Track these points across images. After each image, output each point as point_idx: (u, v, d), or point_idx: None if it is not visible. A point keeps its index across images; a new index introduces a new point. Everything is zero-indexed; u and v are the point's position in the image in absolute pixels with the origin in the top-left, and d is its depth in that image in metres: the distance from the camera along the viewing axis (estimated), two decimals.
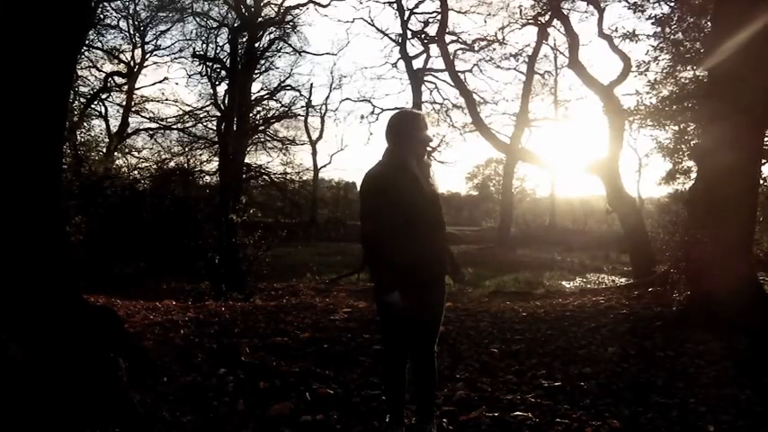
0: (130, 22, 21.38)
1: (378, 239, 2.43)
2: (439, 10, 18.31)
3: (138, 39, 22.31)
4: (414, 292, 2.47)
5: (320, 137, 31.70)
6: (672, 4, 9.82)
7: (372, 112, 27.49)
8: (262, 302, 8.13)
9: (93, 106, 20.54)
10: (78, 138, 13.47)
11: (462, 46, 21.54)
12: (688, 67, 9.65)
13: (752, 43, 4.86)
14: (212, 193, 15.38)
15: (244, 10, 17.92)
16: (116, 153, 19.10)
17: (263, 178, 23.29)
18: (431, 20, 21.69)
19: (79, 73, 17.42)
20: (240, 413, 3.03)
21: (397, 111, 2.70)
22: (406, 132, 2.50)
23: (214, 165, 20.02)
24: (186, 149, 21.34)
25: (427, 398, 2.65)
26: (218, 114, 21.31)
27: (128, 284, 9.87)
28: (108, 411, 2.78)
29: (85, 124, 15.48)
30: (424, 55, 24.18)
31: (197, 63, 22.05)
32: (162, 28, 22.54)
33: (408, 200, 2.42)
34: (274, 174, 23.33)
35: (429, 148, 2.54)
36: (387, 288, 2.43)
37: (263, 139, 23.81)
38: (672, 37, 9.62)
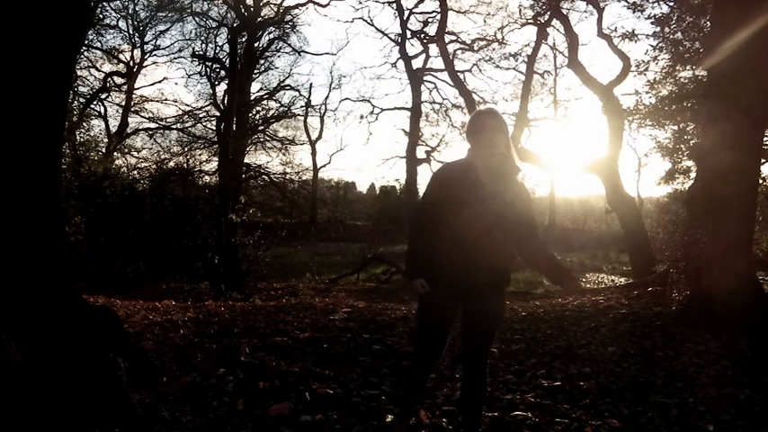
0: (130, 22, 21.46)
1: (416, 228, 2.49)
2: (438, 10, 18.34)
3: (137, 39, 22.38)
4: (452, 294, 2.44)
5: (319, 137, 31.78)
6: (671, 4, 9.84)
7: (372, 112, 27.63)
8: (261, 302, 8.12)
9: (92, 106, 20.55)
10: (78, 138, 13.47)
11: (462, 46, 21.53)
12: (687, 67, 9.66)
13: (751, 43, 4.87)
14: (212, 193, 15.38)
15: (243, 10, 17.92)
16: (115, 153, 19.12)
17: (262, 178, 23.31)
18: (430, 20, 21.76)
19: (78, 73, 17.43)
20: (240, 413, 3.03)
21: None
22: (468, 133, 2.48)
23: (213, 165, 20.06)
24: (185, 149, 21.40)
25: (473, 412, 2.54)
26: (218, 114, 21.37)
27: (127, 284, 9.89)
28: (107, 411, 2.78)
29: (85, 124, 15.46)
30: (424, 55, 24.31)
31: (196, 63, 22.18)
32: (161, 28, 22.66)
33: (460, 200, 2.36)
34: (274, 174, 23.38)
35: (488, 148, 2.36)
36: (408, 274, 2.52)
37: (262, 139, 23.88)
38: (671, 36, 9.63)
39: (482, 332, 2.49)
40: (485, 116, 2.42)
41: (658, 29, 9.75)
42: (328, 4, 20.53)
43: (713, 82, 5.56)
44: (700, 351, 4.27)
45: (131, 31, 21.93)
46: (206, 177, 19.80)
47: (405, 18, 22.32)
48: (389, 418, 2.91)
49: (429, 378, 2.66)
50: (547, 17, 14.01)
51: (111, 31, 21.69)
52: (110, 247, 11.01)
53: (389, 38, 23.79)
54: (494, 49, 20.20)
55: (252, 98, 22.69)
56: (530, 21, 15.52)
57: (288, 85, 25.29)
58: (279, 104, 25.02)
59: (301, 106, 27.70)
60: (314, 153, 32.05)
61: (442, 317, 2.50)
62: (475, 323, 2.48)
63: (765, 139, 7.08)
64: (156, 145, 22.05)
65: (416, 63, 24.47)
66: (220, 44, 21.19)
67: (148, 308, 6.17)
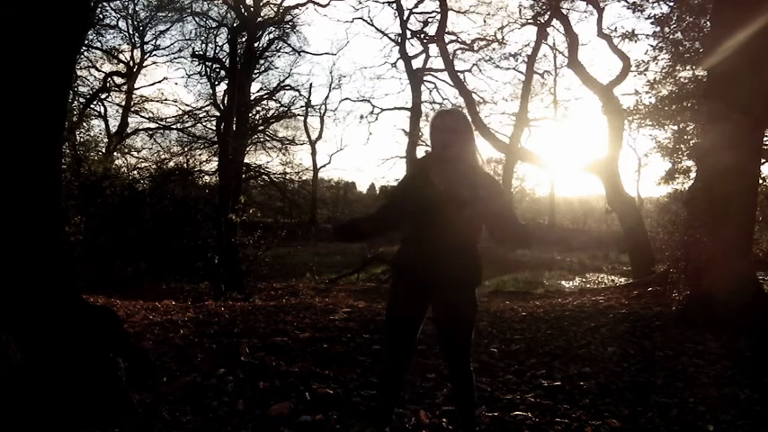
0: (130, 22, 21.43)
1: (372, 217, 2.58)
2: (438, 10, 18.33)
3: (137, 39, 22.34)
4: (422, 292, 2.45)
5: (319, 137, 31.77)
6: (671, 4, 9.85)
7: (372, 112, 27.60)
8: (261, 302, 8.13)
9: (92, 106, 20.49)
10: (77, 138, 13.47)
11: (462, 46, 21.54)
12: (687, 67, 9.67)
13: (751, 43, 4.87)
14: (212, 193, 15.38)
15: (243, 10, 17.92)
16: (115, 153, 19.10)
17: (262, 178, 23.29)
18: (430, 19, 21.72)
19: (78, 73, 17.40)
20: (240, 413, 3.03)
21: None
22: (429, 133, 2.50)
23: (213, 165, 20.03)
24: (185, 149, 21.35)
25: (468, 409, 2.51)
26: (218, 114, 21.36)
27: (127, 284, 9.89)
28: (107, 411, 2.78)
29: (85, 124, 15.43)
30: (424, 55, 24.27)
31: (196, 63, 22.16)
32: (161, 28, 22.63)
33: (412, 202, 2.40)
34: (274, 174, 23.36)
35: (443, 148, 2.39)
36: (337, 229, 2.61)
37: (262, 139, 23.84)
38: (671, 36, 9.64)
39: (458, 328, 2.47)
40: (439, 117, 2.45)
41: (658, 29, 9.77)
42: (328, 4, 20.51)
43: (713, 82, 5.57)
44: (700, 351, 4.26)
45: (131, 31, 21.92)
46: (206, 177, 19.80)
47: (405, 18, 22.29)
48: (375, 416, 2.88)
49: (403, 380, 2.62)
50: (547, 17, 14.04)
51: (111, 31, 21.75)
52: (110, 247, 11.00)
53: (389, 38, 23.76)
54: (494, 49, 20.28)
55: (252, 98, 22.67)
56: (530, 21, 15.55)
57: (288, 85, 25.29)
58: (279, 104, 25.02)
59: (301, 106, 27.70)
60: (314, 153, 32.09)
61: (411, 315, 2.50)
62: (449, 320, 2.47)
63: (765, 139, 7.08)
64: (156, 145, 22.02)
65: (416, 63, 24.46)
66: (220, 44, 21.20)
67: (148, 308, 6.17)
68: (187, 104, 28.47)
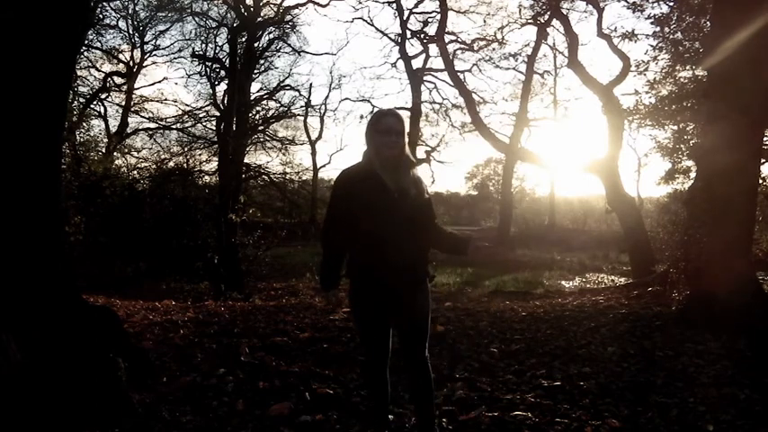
0: (129, 21, 21.42)
1: (327, 243, 2.51)
2: (438, 10, 18.33)
3: (137, 39, 22.34)
4: (385, 298, 2.45)
5: (319, 137, 31.68)
6: (671, 4, 9.85)
7: (372, 112, 27.53)
8: (261, 302, 8.13)
9: (92, 106, 20.49)
10: (77, 138, 13.47)
11: (462, 46, 21.54)
12: (687, 67, 9.68)
13: (751, 43, 4.87)
14: (212, 193, 15.37)
15: (243, 10, 17.91)
16: (115, 153, 19.11)
17: (262, 178, 23.27)
18: (430, 19, 21.71)
19: (78, 73, 17.39)
20: (240, 413, 3.03)
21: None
22: (368, 134, 2.47)
23: (213, 165, 20.03)
24: (185, 149, 21.34)
25: (425, 403, 2.55)
26: (218, 114, 21.36)
27: (127, 284, 9.89)
28: (107, 411, 2.78)
29: (84, 124, 15.42)
30: (424, 55, 24.25)
31: (196, 63, 22.13)
32: (161, 28, 22.61)
33: (368, 207, 2.37)
34: (274, 174, 23.34)
35: (391, 150, 2.40)
36: (322, 287, 2.60)
37: (262, 139, 23.83)
38: (671, 36, 9.64)
39: (416, 327, 2.49)
40: (392, 118, 2.44)
41: (658, 29, 9.77)
42: (328, 4, 20.49)
43: (713, 82, 5.56)
44: (700, 351, 4.26)
45: (131, 31, 21.91)
46: (206, 177, 19.77)
47: (405, 18, 22.27)
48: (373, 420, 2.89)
49: (388, 379, 2.62)
50: (547, 17, 14.03)
51: (111, 31, 21.71)
52: (110, 247, 11.00)
53: (389, 38, 23.73)
54: (494, 49, 20.29)
55: (252, 98, 22.64)
56: (530, 21, 15.56)
57: (288, 85, 25.25)
58: (279, 104, 24.97)
59: (301, 106, 27.62)
60: (314, 153, 32.00)
61: (377, 318, 2.50)
62: (417, 316, 2.49)
63: (765, 139, 7.09)
64: (156, 145, 22.01)
65: (416, 63, 24.44)
66: (220, 44, 21.18)
67: (148, 308, 6.18)
68: (187, 104, 28.41)
